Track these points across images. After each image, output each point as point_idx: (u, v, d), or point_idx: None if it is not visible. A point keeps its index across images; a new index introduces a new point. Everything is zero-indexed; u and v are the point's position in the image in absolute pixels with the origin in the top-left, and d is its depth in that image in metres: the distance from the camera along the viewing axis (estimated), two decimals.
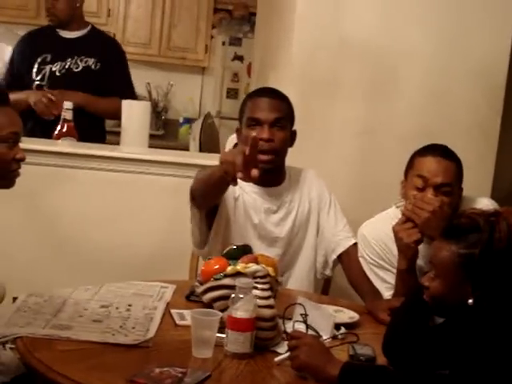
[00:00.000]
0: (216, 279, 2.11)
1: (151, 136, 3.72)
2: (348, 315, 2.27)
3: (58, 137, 3.52)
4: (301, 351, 1.78)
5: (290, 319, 2.04)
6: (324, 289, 2.86)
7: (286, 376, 1.81)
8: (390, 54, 3.27)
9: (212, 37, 6.56)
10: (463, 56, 3.29)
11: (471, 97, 3.32)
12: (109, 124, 4.35)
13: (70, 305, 2.15)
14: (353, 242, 2.67)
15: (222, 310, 1.98)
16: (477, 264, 1.72)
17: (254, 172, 2.13)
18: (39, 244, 3.28)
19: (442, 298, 1.81)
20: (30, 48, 3.92)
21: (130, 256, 3.25)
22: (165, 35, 6.47)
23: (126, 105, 3.55)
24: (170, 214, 3.28)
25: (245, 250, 2.23)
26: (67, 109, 3.50)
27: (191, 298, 2.30)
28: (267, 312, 1.94)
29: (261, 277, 1.99)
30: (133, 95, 3.91)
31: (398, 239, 2.37)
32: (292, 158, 2.74)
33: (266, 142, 2.54)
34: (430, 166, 2.39)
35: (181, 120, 6.64)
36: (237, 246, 2.27)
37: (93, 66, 3.83)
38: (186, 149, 5.19)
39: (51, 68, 3.82)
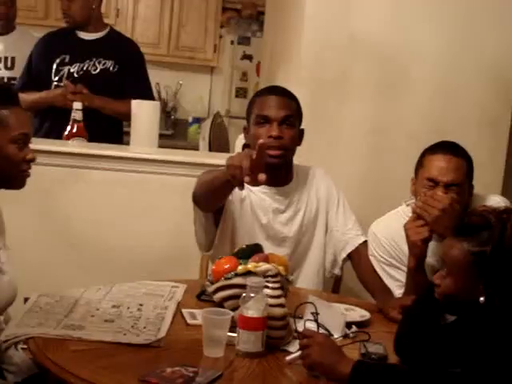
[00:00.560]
0: (227, 278, 2.10)
1: (161, 136, 3.71)
2: (359, 313, 2.26)
3: (68, 137, 3.52)
4: (312, 350, 1.77)
5: (301, 318, 2.04)
6: (334, 288, 2.85)
7: (298, 375, 1.81)
8: (399, 52, 3.27)
9: (221, 36, 6.57)
10: (473, 54, 3.29)
11: (481, 94, 3.31)
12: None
13: (81, 305, 2.16)
14: (362, 239, 2.66)
15: (233, 309, 1.98)
16: (488, 261, 1.71)
17: (261, 176, 2.12)
18: (50, 244, 3.29)
19: (453, 296, 1.80)
20: (49, 48, 3.92)
21: (140, 255, 3.26)
22: (173, 35, 6.48)
23: (136, 105, 3.55)
24: (180, 213, 3.27)
25: (255, 249, 2.23)
26: (77, 109, 3.51)
27: (202, 298, 2.30)
28: (278, 311, 1.94)
29: (272, 276, 1.98)
30: (151, 97, 3.89)
31: (407, 236, 2.37)
32: (302, 157, 2.74)
33: (276, 139, 2.53)
34: (440, 163, 2.39)
35: (190, 119, 6.65)
36: (247, 245, 2.27)
37: (111, 69, 3.83)
38: (196, 148, 5.18)
39: (69, 69, 3.82)
